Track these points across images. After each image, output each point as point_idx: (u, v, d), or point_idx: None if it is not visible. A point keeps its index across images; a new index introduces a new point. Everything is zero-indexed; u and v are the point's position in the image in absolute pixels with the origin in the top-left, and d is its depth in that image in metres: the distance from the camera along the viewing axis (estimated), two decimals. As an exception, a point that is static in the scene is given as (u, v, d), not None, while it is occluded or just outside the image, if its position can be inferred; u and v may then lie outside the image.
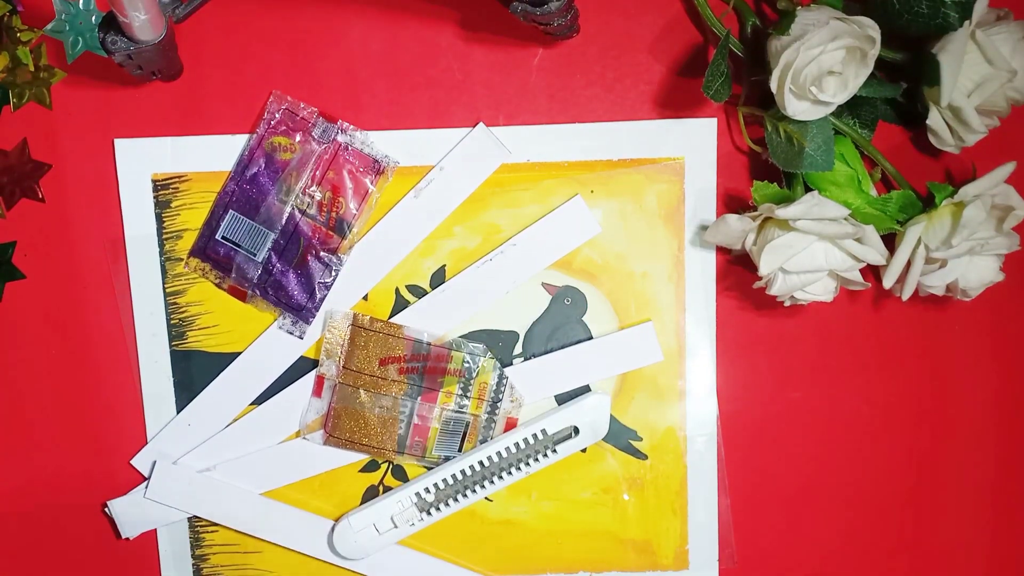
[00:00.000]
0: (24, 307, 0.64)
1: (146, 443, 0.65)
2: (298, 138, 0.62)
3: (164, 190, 0.63)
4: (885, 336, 0.64)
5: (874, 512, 0.66)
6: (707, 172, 0.62)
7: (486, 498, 0.65)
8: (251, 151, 0.62)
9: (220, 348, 0.64)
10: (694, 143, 0.62)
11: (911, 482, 0.65)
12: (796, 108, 0.54)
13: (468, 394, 0.63)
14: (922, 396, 0.65)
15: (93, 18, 0.61)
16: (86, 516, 0.66)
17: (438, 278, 0.63)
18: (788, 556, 0.66)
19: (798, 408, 0.65)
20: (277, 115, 0.62)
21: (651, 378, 0.64)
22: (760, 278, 0.58)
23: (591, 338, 0.64)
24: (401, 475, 0.65)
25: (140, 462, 0.65)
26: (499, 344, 0.64)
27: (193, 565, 0.66)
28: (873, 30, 0.53)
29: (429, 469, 0.64)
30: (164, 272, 0.63)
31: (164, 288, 0.63)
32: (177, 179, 0.63)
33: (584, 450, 0.64)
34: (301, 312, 0.63)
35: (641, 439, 0.65)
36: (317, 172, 0.62)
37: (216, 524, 0.65)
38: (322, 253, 0.62)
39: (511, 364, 0.64)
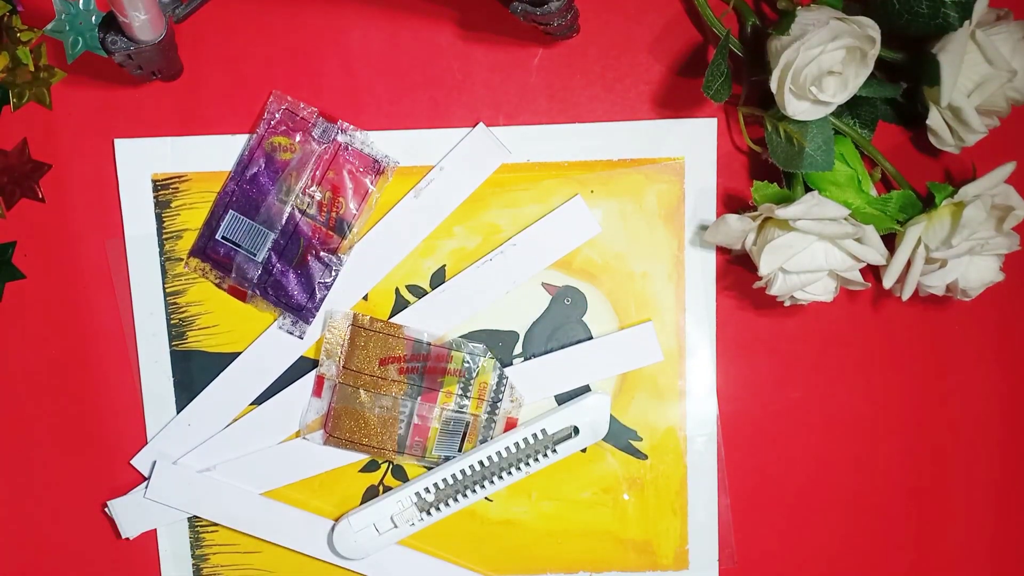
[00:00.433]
0: (24, 307, 0.64)
1: (146, 443, 0.65)
2: (298, 138, 0.62)
3: (164, 190, 0.63)
4: (885, 336, 0.64)
5: (874, 512, 0.66)
6: (707, 172, 0.62)
7: (486, 498, 0.65)
8: (251, 151, 0.62)
9: (220, 348, 0.64)
10: (694, 143, 0.62)
11: (911, 482, 0.65)
12: (796, 108, 0.54)
13: (468, 394, 0.63)
14: (922, 396, 0.65)
15: (93, 18, 0.61)
16: (86, 516, 0.66)
17: (438, 278, 0.63)
18: (788, 556, 0.66)
19: (798, 408, 0.65)
20: (277, 115, 0.62)
21: (651, 378, 0.64)
22: (760, 278, 0.58)
23: (591, 338, 0.64)
24: (401, 475, 0.65)
25: (140, 462, 0.65)
26: (499, 344, 0.64)
27: (193, 565, 0.66)
28: (873, 30, 0.53)
29: (429, 469, 0.64)
30: (164, 272, 0.63)
31: (164, 288, 0.63)
32: (177, 179, 0.63)
33: (584, 450, 0.64)
34: (301, 312, 0.63)
35: (641, 439, 0.65)
36: (317, 172, 0.62)
37: (216, 524, 0.65)
38: (322, 253, 0.62)
39: (511, 364, 0.64)
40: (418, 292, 0.63)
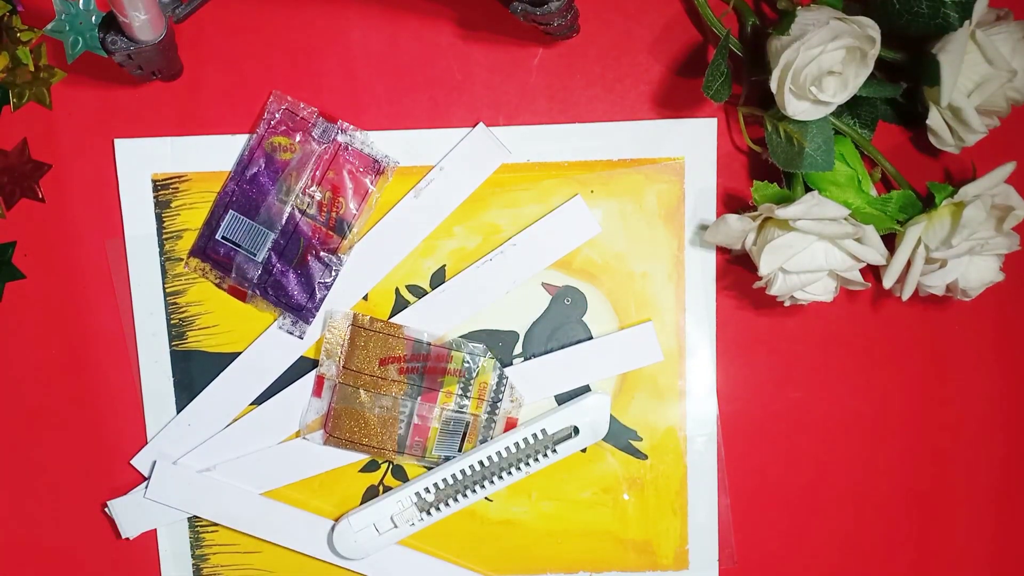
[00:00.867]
0: (24, 307, 0.64)
1: (146, 443, 0.65)
2: (298, 138, 0.62)
3: (164, 190, 0.63)
4: (885, 336, 0.64)
5: (874, 512, 0.66)
6: (707, 172, 0.62)
7: (486, 498, 0.65)
8: (251, 151, 0.62)
9: (220, 348, 0.64)
10: (694, 143, 0.62)
11: (911, 482, 0.65)
12: (796, 108, 0.54)
13: (468, 394, 0.63)
14: (922, 396, 0.65)
15: (93, 18, 0.61)
16: (86, 516, 0.66)
17: (438, 278, 0.63)
18: (788, 556, 0.66)
19: (798, 408, 0.65)
20: (277, 115, 0.62)
21: (651, 378, 0.64)
22: (760, 278, 0.58)
23: (591, 338, 0.64)
24: (401, 475, 0.65)
25: (140, 462, 0.65)
26: (499, 344, 0.64)
27: (193, 565, 0.66)
28: (873, 30, 0.53)
29: (429, 469, 0.64)
30: (164, 272, 0.63)
31: (164, 288, 0.63)
32: (177, 179, 0.63)
33: (584, 450, 0.64)
34: (301, 312, 0.63)
35: (641, 439, 0.65)
36: (317, 172, 0.62)
37: (216, 524, 0.65)
38: (322, 253, 0.62)
39: (511, 364, 0.64)
40: (418, 292, 0.63)
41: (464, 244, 0.63)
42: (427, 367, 0.63)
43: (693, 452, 0.65)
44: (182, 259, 0.63)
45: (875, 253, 0.56)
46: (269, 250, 0.62)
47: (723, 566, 0.66)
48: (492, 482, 0.63)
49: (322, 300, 0.63)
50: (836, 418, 0.65)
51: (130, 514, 0.65)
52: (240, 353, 0.64)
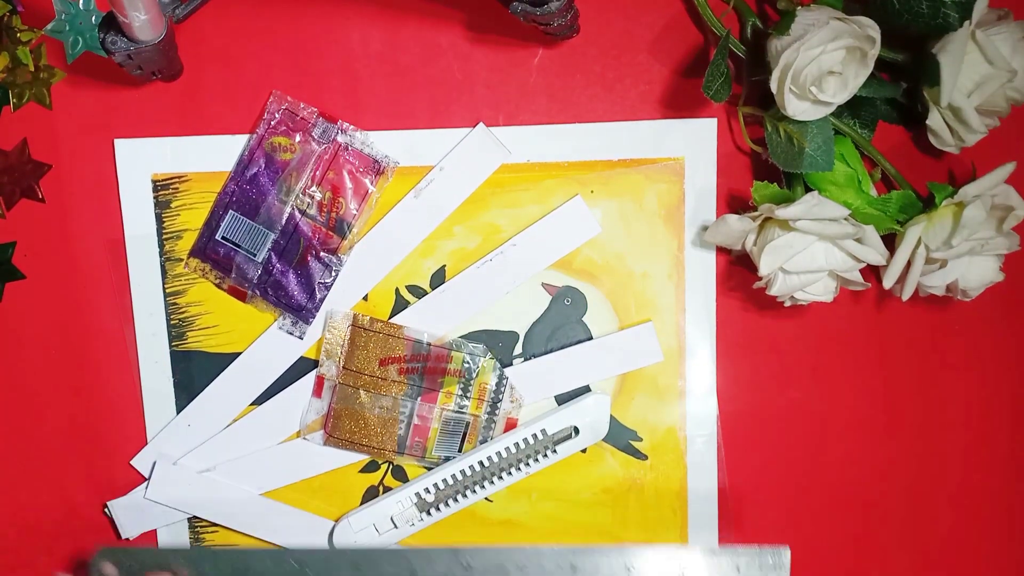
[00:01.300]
0: (24, 307, 0.64)
1: (146, 443, 0.65)
2: (298, 138, 0.62)
3: (164, 190, 0.63)
4: (885, 336, 0.64)
5: (874, 512, 0.66)
6: (707, 172, 0.62)
7: (486, 498, 0.65)
8: (251, 151, 0.62)
9: (220, 348, 0.64)
10: (694, 143, 0.62)
11: (911, 482, 0.65)
12: (796, 108, 0.55)
13: (468, 394, 0.63)
14: (922, 396, 0.65)
15: (93, 18, 0.61)
16: (86, 516, 0.66)
17: (438, 278, 0.63)
18: (788, 556, 0.66)
19: (798, 408, 0.65)
20: (277, 115, 0.62)
21: (651, 378, 0.64)
22: (760, 278, 0.58)
23: (591, 338, 0.64)
24: (401, 475, 0.65)
25: (140, 462, 0.65)
26: (499, 344, 0.64)
27: (193, 565, 0.66)
28: (873, 30, 0.53)
29: (429, 469, 0.64)
30: (164, 272, 0.63)
31: (164, 288, 0.63)
32: (177, 179, 0.63)
33: (584, 450, 0.64)
34: (301, 312, 0.63)
35: (641, 439, 0.65)
36: (317, 172, 0.62)
37: (216, 524, 0.65)
38: (322, 253, 0.62)
39: (511, 364, 0.64)
40: (418, 292, 0.63)
41: (464, 244, 0.63)
42: (427, 367, 0.63)
43: (693, 452, 0.65)
44: (182, 259, 0.63)
45: (875, 253, 0.56)
46: (269, 250, 0.62)
47: (723, 566, 0.66)
48: (492, 482, 0.63)
49: (322, 300, 0.63)
50: (836, 418, 0.65)
51: (130, 514, 0.65)
52: (240, 353, 0.64)
